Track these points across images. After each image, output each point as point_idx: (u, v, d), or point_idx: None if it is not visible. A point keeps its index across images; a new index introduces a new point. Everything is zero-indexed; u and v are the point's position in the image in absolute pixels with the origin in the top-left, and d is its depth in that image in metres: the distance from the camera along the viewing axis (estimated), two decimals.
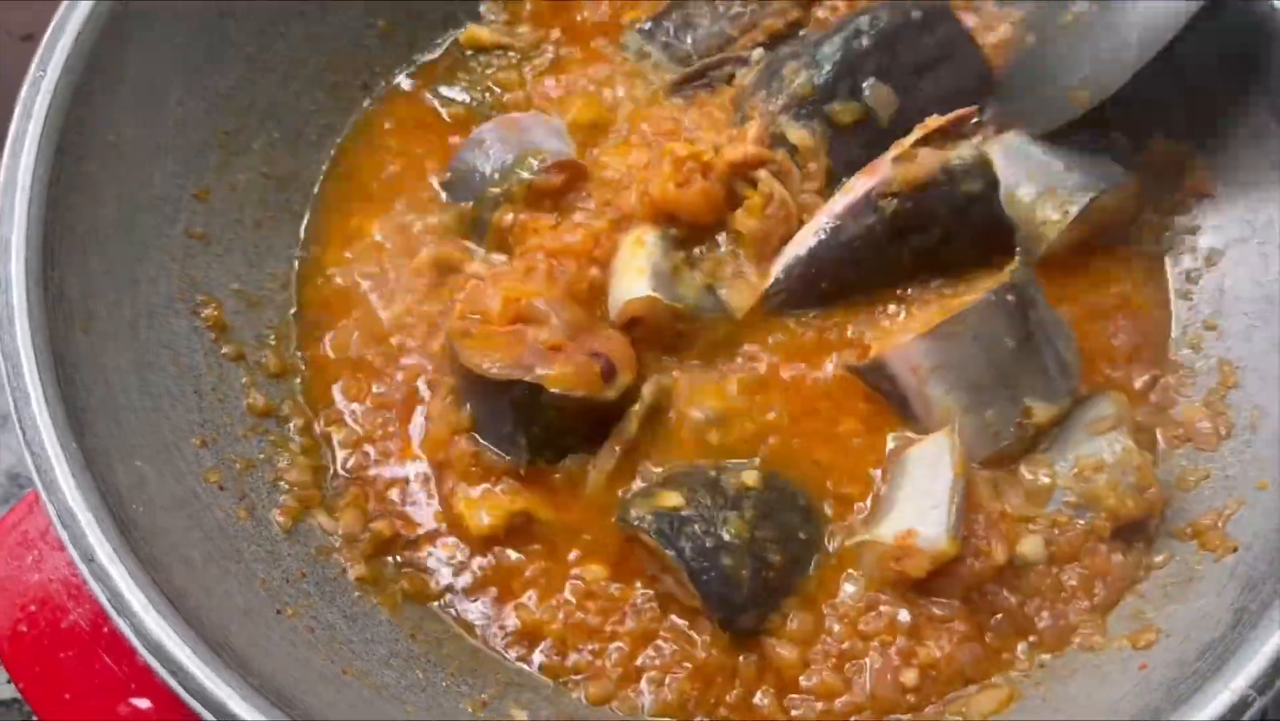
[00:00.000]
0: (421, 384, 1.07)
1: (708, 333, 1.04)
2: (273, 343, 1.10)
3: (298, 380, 1.10)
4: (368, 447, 1.06)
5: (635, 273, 1.03)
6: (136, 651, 0.81)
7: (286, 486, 1.02)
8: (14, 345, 0.88)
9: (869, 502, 1.00)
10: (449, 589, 1.00)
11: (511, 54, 1.24)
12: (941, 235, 1.03)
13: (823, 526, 0.99)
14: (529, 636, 0.98)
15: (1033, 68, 1.11)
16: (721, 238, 1.07)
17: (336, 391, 1.08)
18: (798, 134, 1.06)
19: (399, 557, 1.02)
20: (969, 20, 1.12)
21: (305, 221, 1.17)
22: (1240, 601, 0.87)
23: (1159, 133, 1.13)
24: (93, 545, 0.82)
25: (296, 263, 1.15)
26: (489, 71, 1.24)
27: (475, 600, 1.00)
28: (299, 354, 1.11)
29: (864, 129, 1.06)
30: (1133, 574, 0.97)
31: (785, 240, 1.05)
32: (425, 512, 1.03)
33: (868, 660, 0.94)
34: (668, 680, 0.95)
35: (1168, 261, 1.11)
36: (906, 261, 1.04)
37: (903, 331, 1.01)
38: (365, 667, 0.93)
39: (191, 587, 0.86)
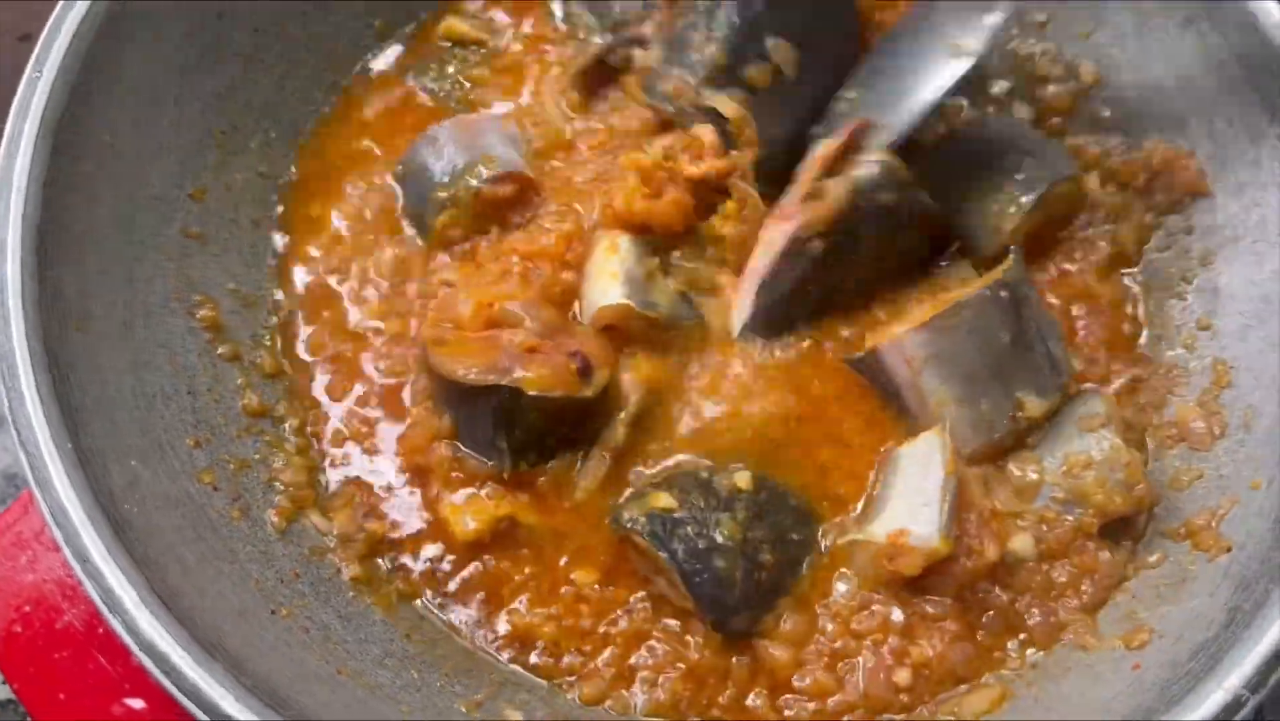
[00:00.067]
0: (400, 387, 1.07)
1: (684, 340, 1.05)
2: (268, 343, 1.10)
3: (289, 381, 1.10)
4: (352, 449, 1.06)
5: (608, 278, 1.03)
6: (130, 651, 0.80)
7: (281, 487, 1.02)
8: (9, 345, 0.87)
9: (861, 502, 1.00)
10: (438, 593, 1.00)
11: (485, 50, 1.24)
12: (881, 244, 1.03)
13: (815, 527, 0.99)
14: (521, 639, 0.98)
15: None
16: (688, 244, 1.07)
17: (319, 393, 1.08)
18: (727, 106, 1.05)
19: (388, 560, 1.02)
20: None
21: (278, 211, 1.17)
22: (1233, 601, 0.87)
23: (1154, 132, 1.13)
24: (86, 545, 0.82)
25: (274, 259, 1.15)
26: (463, 66, 1.23)
27: (464, 605, 0.99)
28: (283, 357, 1.11)
29: (777, 87, 1.07)
30: (1121, 571, 0.97)
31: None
32: (412, 516, 1.03)
33: (860, 659, 0.94)
34: (661, 680, 0.95)
35: (1164, 260, 1.12)
36: (865, 274, 1.05)
37: (897, 325, 1.01)
38: (360, 668, 0.93)
39: (185, 588, 0.86)
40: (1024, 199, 1.06)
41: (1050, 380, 1.00)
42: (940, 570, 0.93)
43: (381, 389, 1.07)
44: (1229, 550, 0.92)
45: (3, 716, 1.18)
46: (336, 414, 1.07)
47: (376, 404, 1.07)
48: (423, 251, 1.12)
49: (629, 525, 0.94)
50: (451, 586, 1.00)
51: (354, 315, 1.10)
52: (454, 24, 1.25)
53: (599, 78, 1.18)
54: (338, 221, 1.15)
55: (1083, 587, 0.96)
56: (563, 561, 1.00)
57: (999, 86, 1.20)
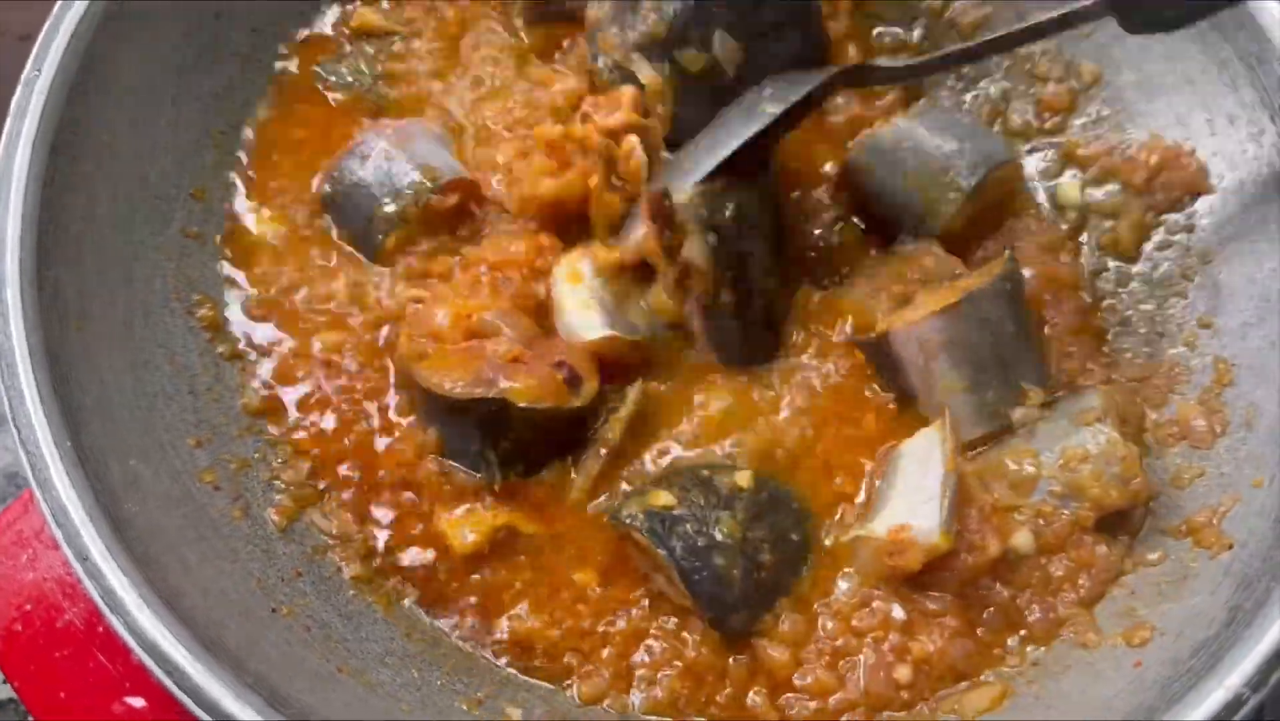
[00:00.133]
0: (378, 405, 1.05)
1: (667, 354, 1.04)
2: None
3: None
4: (346, 456, 1.04)
5: (583, 308, 1.02)
6: (131, 650, 0.80)
7: (282, 486, 1.02)
8: (9, 344, 0.88)
9: (862, 499, 1.00)
10: (434, 603, 0.99)
11: (398, 40, 1.20)
12: (764, 238, 1.03)
13: (815, 527, 0.99)
14: (521, 644, 0.97)
15: None
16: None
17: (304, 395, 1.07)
18: (646, 73, 1.05)
19: (381, 562, 1.01)
20: None
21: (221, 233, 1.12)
22: (1235, 599, 0.87)
23: (1154, 130, 1.13)
24: (87, 544, 0.82)
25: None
26: (377, 58, 1.20)
27: (461, 614, 0.99)
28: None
29: (710, 79, 1.06)
30: (1118, 566, 0.97)
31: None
32: (406, 529, 1.01)
33: (861, 656, 0.94)
34: (659, 678, 0.95)
35: (1164, 258, 1.12)
36: (773, 261, 1.05)
37: (908, 311, 1.02)
38: (360, 666, 0.93)
39: (186, 586, 0.86)
40: (964, 183, 1.07)
41: (1043, 370, 1.02)
42: (941, 566, 0.93)
43: (359, 409, 1.05)
44: (1230, 548, 0.92)
45: (2, 716, 1.18)
46: (329, 423, 1.05)
47: (359, 421, 1.05)
48: (371, 271, 1.09)
49: (628, 521, 0.94)
50: (449, 596, 0.99)
51: (315, 345, 1.07)
52: (366, 15, 1.20)
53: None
54: (274, 241, 1.11)
55: (1080, 582, 0.96)
56: (561, 565, 0.99)
57: (998, 86, 1.21)
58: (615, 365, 1.02)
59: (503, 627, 0.98)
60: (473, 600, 0.99)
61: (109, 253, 1.00)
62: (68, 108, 0.97)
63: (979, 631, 0.95)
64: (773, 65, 1.07)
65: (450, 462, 1.00)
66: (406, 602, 0.99)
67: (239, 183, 1.13)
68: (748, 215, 1.02)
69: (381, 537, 1.01)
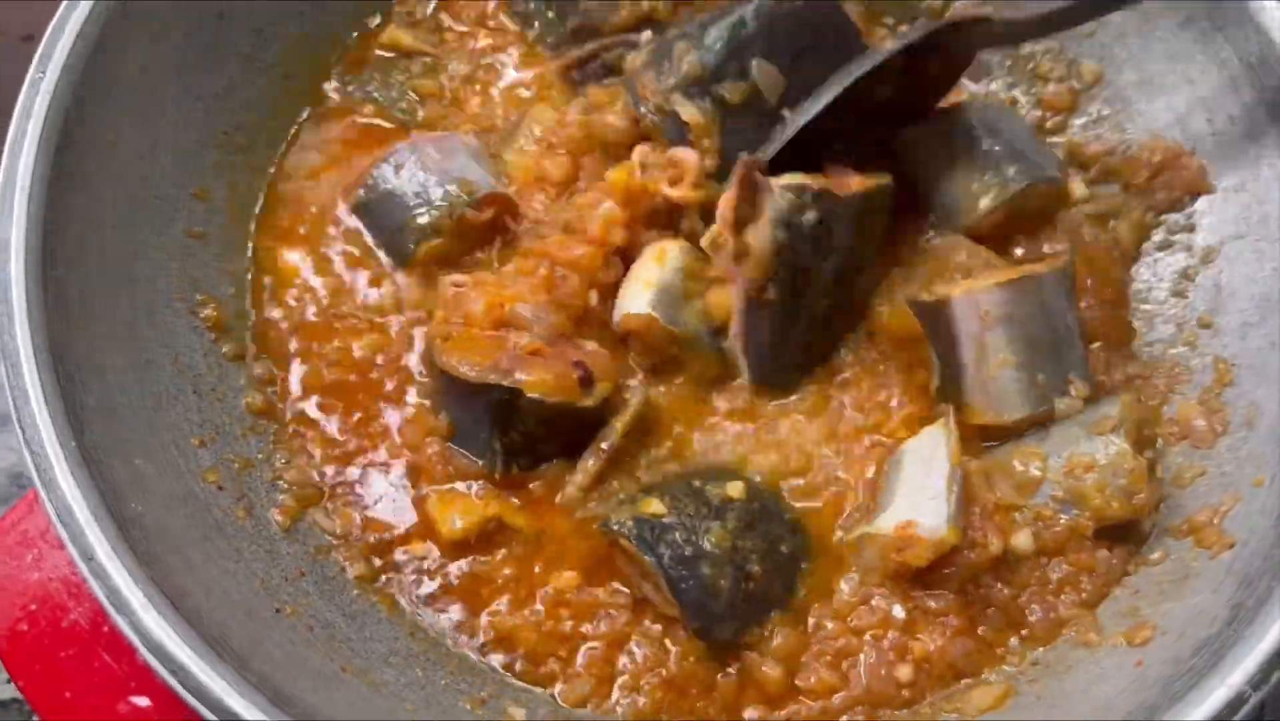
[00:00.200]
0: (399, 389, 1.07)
1: (700, 364, 1.05)
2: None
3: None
4: (350, 448, 1.05)
5: (641, 284, 1.03)
6: (136, 650, 0.81)
7: (285, 486, 1.02)
8: (14, 345, 0.88)
9: (864, 498, 1.01)
10: (423, 594, 1.00)
11: (428, 59, 1.21)
12: (834, 257, 1.03)
13: (808, 539, 0.99)
14: (503, 642, 0.98)
15: None
16: None
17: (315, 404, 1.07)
18: (689, 111, 1.05)
19: (379, 560, 1.02)
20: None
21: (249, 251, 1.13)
22: (1236, 598, 0.87)
23: (1154, 130, 1.14)
24: (91, 543, 0.82)
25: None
26: (407, 77, 1.20)
27: (444, 609, 0.99)
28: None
29: (753, 108, 1.06)
30: (1120, 570, 0.97)
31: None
32: (403, 516, 1.02)
33: (862, 655, 0.94)
34: (642, 685, 0.95)
35: (1165, 258, 1.12)
36: (837, 291, 1.04)
37: (968, 282, 1.01)
38: (364, 666, 0.94)
39: (191, 586, 0.86)
40: (1006, 186, 1.07)
41: (1088, 369, 1.02)
42: (945, 563, 0.93)
43: (377, 394, 1.06)
44: (1232, 546, 0.92)
45: (7, 716, 1.18)
46: (334, 419, 1.06)
47: (374, 405, 1.06)
48: (401, 279, 1.10)
49: (617, 529, 0.94)
50: (433, 588, 1.00)
51: (356, 351, 1.08)
52: (397, 35, 1.21)
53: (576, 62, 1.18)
54: (306, 271, 1.12)
55: (1082, 584, 0.96)
56: (544, 564, 0.99)
57: (999, 84, 1.21)
58: (645, 349, 1.03)
59: (485, 624, 0.98)
60: (458, 593, 0.99)
61: (112, 253, 1.00)
62: (72, 108, 0.96)
63: (980, 630, 0.96)
64: (813, 83, 1.05)
65: (455, 448, 1.01)
66: (403, 601, 1.00)
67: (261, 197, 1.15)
68: (832, 231, 1.01)
69: (376, 526, 1.02)
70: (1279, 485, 0.93)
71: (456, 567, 1.00)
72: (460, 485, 1.01)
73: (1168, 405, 1.05)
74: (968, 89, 1.20)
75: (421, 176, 1.08)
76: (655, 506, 0.95)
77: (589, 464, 1.00)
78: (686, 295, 1.03)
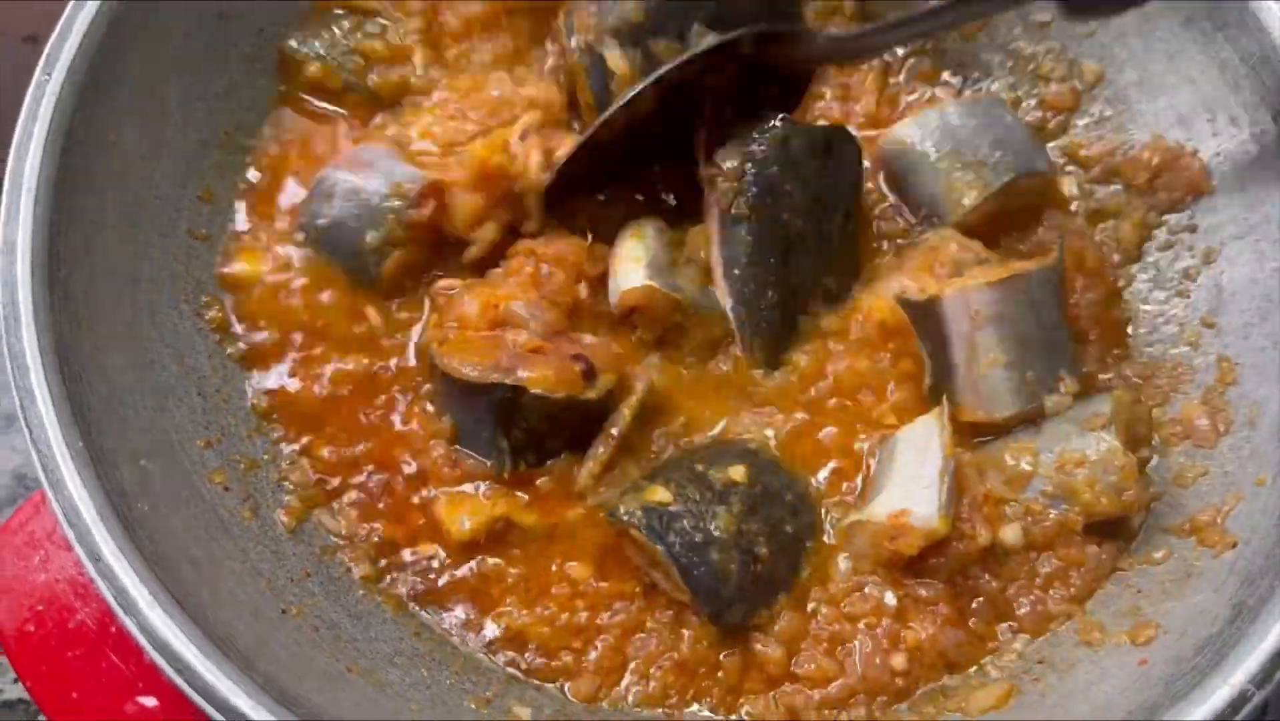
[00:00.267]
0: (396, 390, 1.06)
1: (703, 330, 1.05)
2: None
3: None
4: (355, 451, 1.05)
5: (631, 261, 1.04)
6: (143, 650, 0.81)
7: (290, 487, 1.03)
8: (20, 346, 0.88)
9: (859, 483, 1.01)
10: (430, 594, 1.00)
11: (380, 20, 1.18)
12: (808, 188, 1.04)
13: (812, 519, 0.99)
14: (514, 641, 0.98)
15: None
16: None
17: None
18: (616, 60, 1.05)
19: (387, 563, 1.02)
20: None
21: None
22: (1239, 596, 0.88)
23: (1156, 130, 1.14)
24: (98, 543, 0.82)
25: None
26: (355, 38, 1.16)
27: (452, 609, 0.99)
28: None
29: None
30: (1110, 566, 0.98)
31: None
32: (408, 519, 1.02)
33: (857, 643, 0.95)
34: (653, 671, 0.96)
35: (1167, 259, 1.12)
36: (820, 230, 1.05)
37: (959, 281, 1.02)
38: (369, 666, 0.94)
39: (197, 586, 0.87)
40: (989, 183, 1.08)
41: (1077, 366, 1.03)
42: (933, 553, 0.94)
43: (380, 398, 1.06)
44: (1234, 546, 0.93)
45: (13, 717, 1.19)
46: (339, 422, 1.06)
47: (376, 409, 1.06)
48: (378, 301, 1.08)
49: (625, 518, 0.95)
50: (442, 587, 1.00)
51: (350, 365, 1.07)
52: None
53: None
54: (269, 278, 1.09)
55: (1071, 579, 0.97)
56: (557, 559, 1.00)
57: (1000, 84, 1.21)
58: (650, 321, 1.04)
59: (497, 624, 0.98)
60: (466, 593, 0.99)
61: (117, 253, 1.01)
62: (78, 109, 0.97)
63: (970, 621, 0.96)
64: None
65: (462, 449, 1.01)
66: (409, 601, 1.00)
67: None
68: (797, 152, 1.02)
69: (383, 529, 1.01)
70: None
71: (466, 568, 1.00)
72: (468, 486, 1.01)
73: (1170, 405, 1.05)
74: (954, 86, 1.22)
75: (353, 197, 1.06)
76: (661, 494, 0.95)
77: (599, 451, 1.00)
78: (674, 263, 1.05)
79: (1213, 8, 1.08)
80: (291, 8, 1.17)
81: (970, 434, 1.02)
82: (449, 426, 1.02)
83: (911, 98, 1.21)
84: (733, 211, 1.02)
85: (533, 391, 0.95)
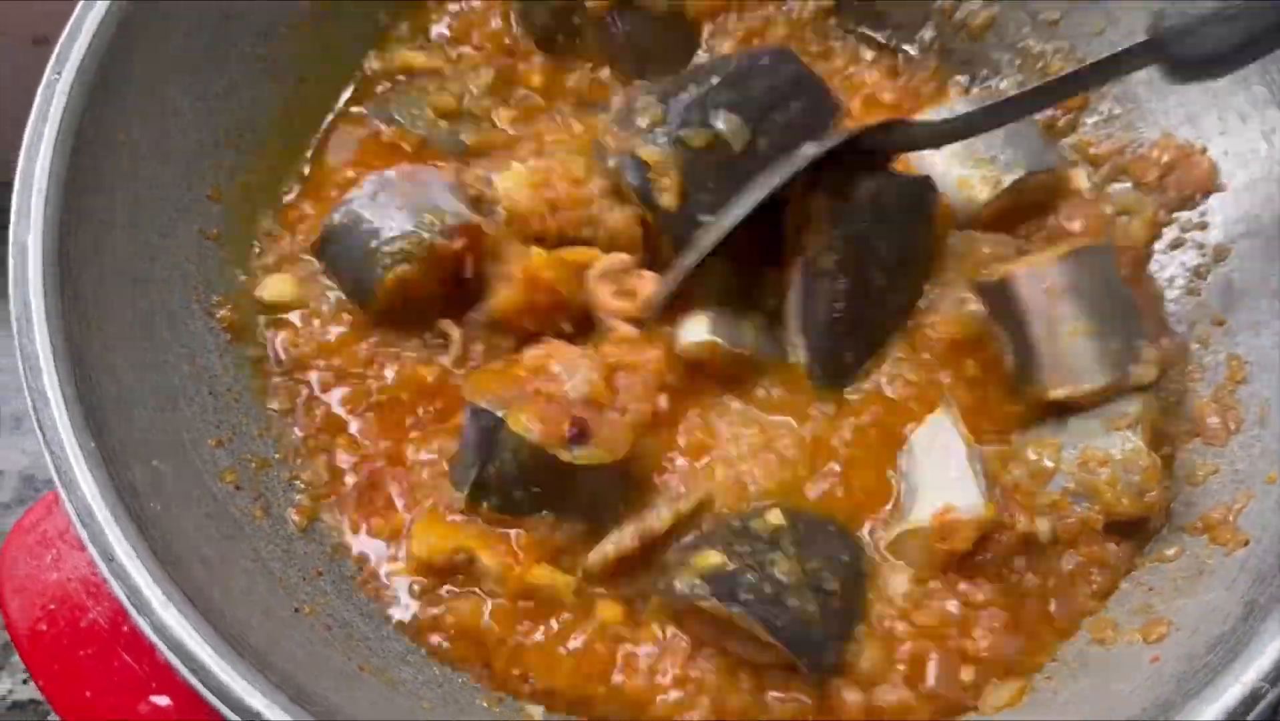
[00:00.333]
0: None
1: (764, 378, 1.04)
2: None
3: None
4: (366, 452, 1.05)
5: (696, 311, 1.02)
6: (156, 649, 0.81)
7: (302, 485, 1.03)
8: (32, 347, 0.88)
9: (892, 501, 1.00)
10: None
11: (447, 79, 1.20)
12: (889, 239, 1.03)
13: (858, 543, 0.98)
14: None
15: None
16: None
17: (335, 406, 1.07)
18: (647, 151, 1.04)
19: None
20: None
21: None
22: (1250, 594, 0.87)
23: (1166, 128, 1.14)
24: (112, 543, 0.82)
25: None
26: (422, 94, 1.19)
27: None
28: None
29: (716, 152, 1.05)
30: (1128, 563, 0.97)
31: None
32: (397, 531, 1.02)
33: (932, 663, 0.93)
34: None
35: (1177, 256, 1.12)
36: (897, 279, 1.05)
37: (1025, 260, 1.02)
38: (382, 664, 0.94)
39: (210, 586, 0.86)
40: (1002, 179, 1.09)
41: (1149, 334, 1.02)
42: (978, 549, 0.94)
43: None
44: (1246, 544, 0.92)
45: (22, 716, 1.19)
46: (354, 426, 1.06)
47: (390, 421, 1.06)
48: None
49: (690, 592, 0.89)
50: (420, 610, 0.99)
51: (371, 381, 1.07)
52: (409, 57, 1.21)
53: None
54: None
55: (1092, 576, 0.97)
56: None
57: (1009, 83, 1.21)
58: (713, 374, 1.03)
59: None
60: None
61: (127, 253, 1.01)
62: (88, 109, 0.97)
63: (1025, 626, 0.96)
64: (781, 134, 1.06)
65: (450, 468, 1.01)
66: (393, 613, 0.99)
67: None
68: (885, 206, 1.02)
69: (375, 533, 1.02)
70: None
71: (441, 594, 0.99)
72: (455, 517, 0.99)
73: (1181, 403, 1.05)
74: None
75: (391, 207, 1.03)
76: (714, 558, 0.91)
77: (623, 541, 0.95)
78: (736, 315, 1.04)
79: None
80: (297, 9, 1.17)
81: (1051, 415, 1.01)
82: (454, 448, 1.01)
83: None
84: (818, 264, 1.01)
85: (510, 427, 0.93)
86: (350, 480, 1.03)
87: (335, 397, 1.06)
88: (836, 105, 1.10)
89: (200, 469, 0.97)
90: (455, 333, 1.05)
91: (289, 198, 1.16)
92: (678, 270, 1.04)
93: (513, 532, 0.98)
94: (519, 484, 0.96)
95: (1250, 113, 1.09)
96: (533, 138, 1.16)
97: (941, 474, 0.95)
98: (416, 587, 0.99)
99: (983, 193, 1.09)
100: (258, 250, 1.13)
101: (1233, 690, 0.79)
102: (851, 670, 0.93)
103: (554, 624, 0.96)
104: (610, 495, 0.98)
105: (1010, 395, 1.03)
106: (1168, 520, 1.00)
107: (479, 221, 1.05)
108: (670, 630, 0.96)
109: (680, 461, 1.02)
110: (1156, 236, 1.13)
